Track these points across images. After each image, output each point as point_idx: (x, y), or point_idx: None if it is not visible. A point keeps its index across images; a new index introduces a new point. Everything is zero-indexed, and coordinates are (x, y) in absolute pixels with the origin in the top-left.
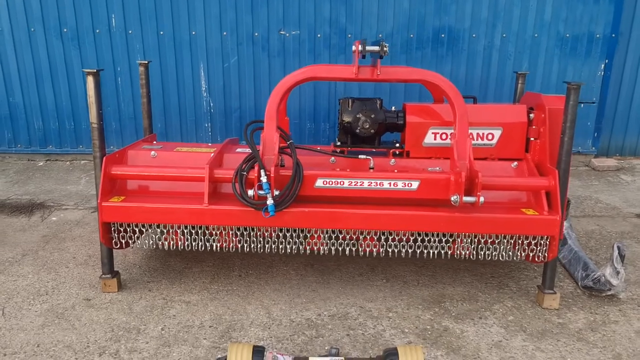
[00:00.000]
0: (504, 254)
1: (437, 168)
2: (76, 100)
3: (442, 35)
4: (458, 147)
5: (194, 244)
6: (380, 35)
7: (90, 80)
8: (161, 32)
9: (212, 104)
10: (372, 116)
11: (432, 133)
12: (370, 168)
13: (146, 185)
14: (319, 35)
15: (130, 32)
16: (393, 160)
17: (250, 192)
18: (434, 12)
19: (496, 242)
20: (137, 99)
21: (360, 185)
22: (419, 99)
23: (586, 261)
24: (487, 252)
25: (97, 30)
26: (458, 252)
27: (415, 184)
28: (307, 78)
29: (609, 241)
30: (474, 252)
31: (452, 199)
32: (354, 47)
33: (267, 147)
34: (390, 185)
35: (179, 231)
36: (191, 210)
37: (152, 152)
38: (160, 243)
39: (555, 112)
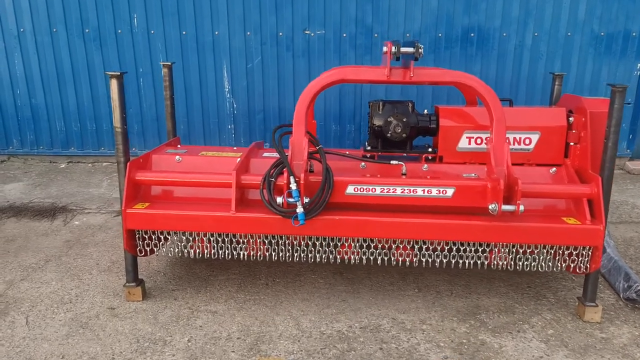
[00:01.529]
0: (543, 264)
1: (473, 174)
2: (98, 101)
3: (472, 35)
4: (495, 152)
5: (220, 252)
6: (407, 35)
7: (113, 83)
8: (184, 32)
9: (235, 106)
10: (404, 120)
11: (467, 137)
12: (403, 174)
13: (171, 190)
14: (344, 35)
15: (152, 32)
16: (426, 165)
17: (279, 200)
18: (463, 11)
19: (535, 252)
20: (160, 101)
21: (393, 192)
22: (447, 100)
23: (627, 271)
24: (525, 263)
25: (119, 31)
26: (495, 262)
27: (450, 191)
28: (336, 81)
29: None
30: (512, 263)
31: (490, 207)
32: (385, 49)
33: (296, 153)
34: (424, 193)
35: (204, 238)
36: (218, 218)
37: (177, 157)
38: (186, 251)
39: (597, 115)
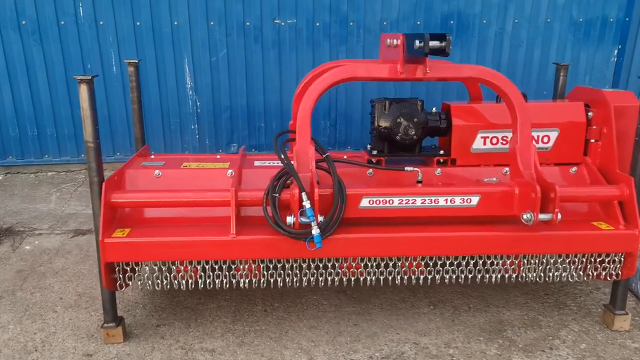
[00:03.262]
0: (574, 273)
1: (494, 179)
2: (39, 103)
3: (451, 22)
4: (522, 154)
5: (217, 280)
6: (385, 23)
7: (83, 89)
8: (138, 23)
9: (198, 103)
10: (415, 120)
11: (482, 137)
12: (419, 181)
13: (149, 211)
14: (317, 24)
15: (101, 23)
16: (439, 170)
17: (290, 220)
18: None
19: (567, 261)
20: (112, 100)
21: (412, 203)
22: (428, 94)
23: None
24: (556, 274)
25: (62, 22)
26: (524, 274)
27: (475, 200)
28: (343, 79)
29: None
30: (542, 274)
31: (524, 217)
32: (396, 42)
33: (302, 163)
34: (446, 202)
35: (189, 266)
36: (216, 243)
37: (156, 171)
38: (176, 282)
39: (622, 110)
